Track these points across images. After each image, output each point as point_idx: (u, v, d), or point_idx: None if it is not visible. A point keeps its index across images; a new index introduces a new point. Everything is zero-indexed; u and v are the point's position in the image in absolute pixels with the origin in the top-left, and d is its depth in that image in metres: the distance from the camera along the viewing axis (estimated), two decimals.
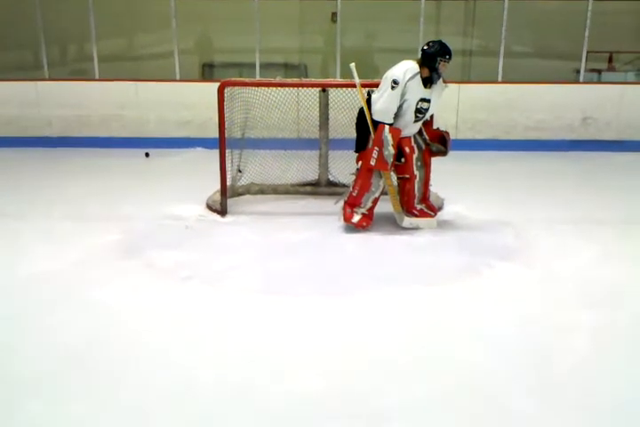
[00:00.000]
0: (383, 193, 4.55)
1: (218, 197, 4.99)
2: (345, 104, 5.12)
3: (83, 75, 7.58)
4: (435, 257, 4.05)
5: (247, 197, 5.34)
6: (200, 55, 8.25)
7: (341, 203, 4.58)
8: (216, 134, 4.88)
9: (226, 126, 4.84)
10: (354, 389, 2.60)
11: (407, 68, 4.21)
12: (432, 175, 4.61)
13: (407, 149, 4.40)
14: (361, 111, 4.37)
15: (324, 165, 5.34)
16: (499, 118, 7.26)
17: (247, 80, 5.40)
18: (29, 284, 3.60)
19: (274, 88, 5.11)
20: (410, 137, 4.45)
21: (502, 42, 7.17)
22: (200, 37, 8.19)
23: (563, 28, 7.70)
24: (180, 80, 7.34)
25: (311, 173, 5.41)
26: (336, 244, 4.28)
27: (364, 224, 4.48)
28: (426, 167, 4.54)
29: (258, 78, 7.03)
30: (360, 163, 4.42)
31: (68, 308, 3.30)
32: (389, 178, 4.48)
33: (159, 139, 7.26)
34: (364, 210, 4.51)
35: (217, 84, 4.81)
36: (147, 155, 6.90)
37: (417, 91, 4.24)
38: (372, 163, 4.25)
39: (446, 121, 6.93)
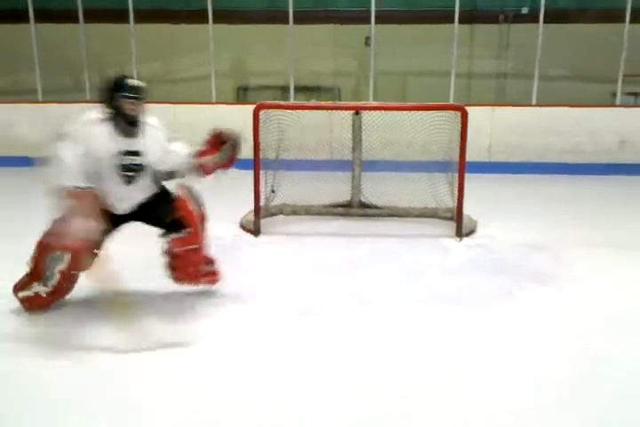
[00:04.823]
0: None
1: (251, 217, 5.04)
2: (378, 126, 5.16)
3: None
4: (468, 280, 4.00)
5: (280, 217, 5.37)
6: (235, 78, 8.42)
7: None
8: (250, 155, 4.94)
9: (260, 148, 4.91)
10: (389, 413, 2.57)
11: None
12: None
13: None
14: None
15: (356, 186, 5.36)
16: (533, 141, 7.20)
17: (282, 103, 5.51)
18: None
19: (307, 111, 5.19)
20: None
21: (537, 65, 7.16)
22: (235, 61, 8.38)
23: (599, 50, 7.64)
24: (216, 102, 7.49)
25: (343, 195, 5.42)
26: (368, 265, 4.27)
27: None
28: None
29: (292, 101, 7.13)
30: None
31: (104, 331, 3.35)
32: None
33: None
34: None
35: (251, 107, 4.90)
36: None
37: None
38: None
39: (479, 144, 6.93)
